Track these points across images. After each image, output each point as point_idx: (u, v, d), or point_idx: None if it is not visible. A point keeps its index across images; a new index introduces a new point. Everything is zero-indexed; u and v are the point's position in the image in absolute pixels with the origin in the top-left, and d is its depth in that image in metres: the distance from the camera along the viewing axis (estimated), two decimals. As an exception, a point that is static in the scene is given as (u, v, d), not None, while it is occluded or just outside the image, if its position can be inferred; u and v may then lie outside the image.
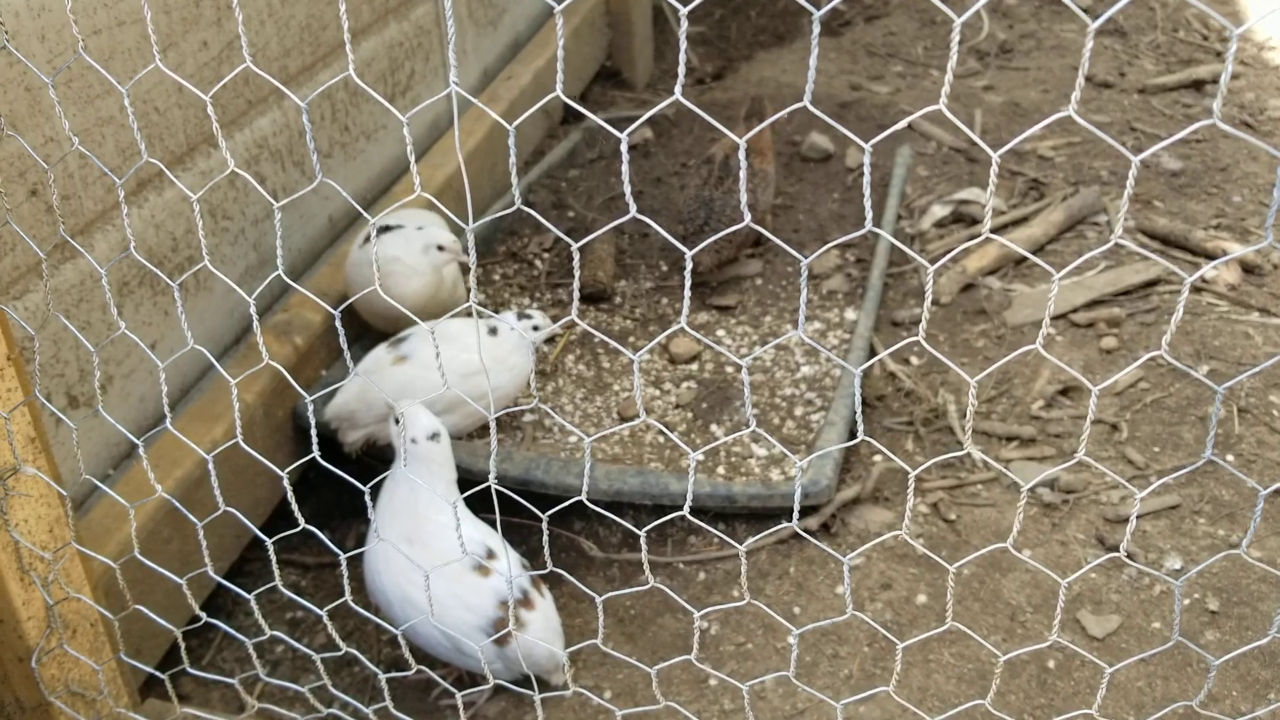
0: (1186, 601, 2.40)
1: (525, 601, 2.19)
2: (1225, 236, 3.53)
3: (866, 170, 1.09)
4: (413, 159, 1.30)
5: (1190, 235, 3.49)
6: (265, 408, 2.57)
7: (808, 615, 2.44)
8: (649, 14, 4.99)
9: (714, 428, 2.89)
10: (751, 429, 1.34)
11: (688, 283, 1.24)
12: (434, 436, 2.23)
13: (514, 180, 1.24)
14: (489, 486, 1.57)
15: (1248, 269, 3.38)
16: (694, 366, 3.12)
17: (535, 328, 2.71)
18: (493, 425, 1.58)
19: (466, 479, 2.53)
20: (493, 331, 2.71)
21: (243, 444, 1.66)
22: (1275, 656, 2.26)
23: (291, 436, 2.69)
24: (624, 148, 1.18)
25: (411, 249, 2.77)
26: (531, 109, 1.37)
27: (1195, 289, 3.28)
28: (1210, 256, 3.42)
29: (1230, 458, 2.73)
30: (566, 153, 4.18)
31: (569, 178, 4.09)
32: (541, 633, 2.18)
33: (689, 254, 1.25)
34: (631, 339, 3.27)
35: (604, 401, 2.98)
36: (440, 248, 2.78)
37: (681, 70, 1.15)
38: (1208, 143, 4.07)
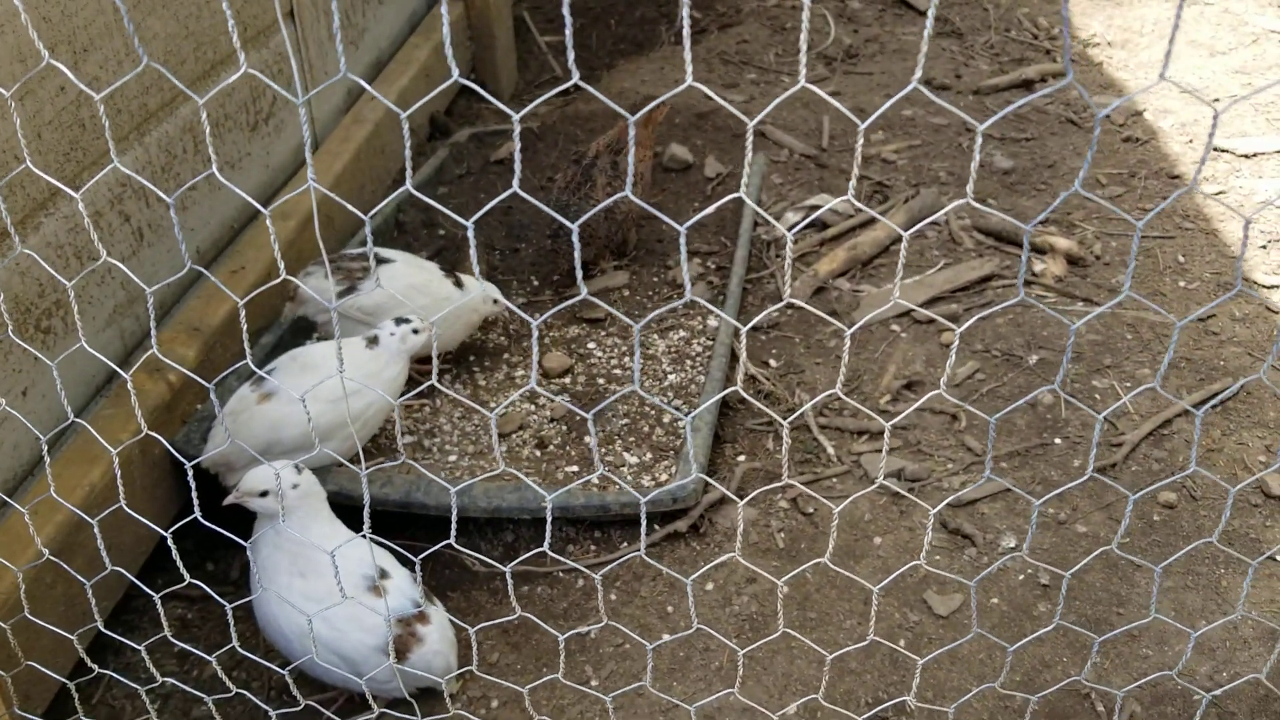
0: (1020, 577, 2.64)
1: (421, 616, 2.29)
2: (1053, 231, 3.83)
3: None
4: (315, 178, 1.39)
5: (1020, 232, 3.77)
6: (142, 446, 2.60)
7: (679, 612, 2.61)
8: (510, 26, 5.08)
9: (587, 439, 3.03)
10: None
11: (577, 250, 1.36)
12: (295, 486, 2.26)
13: (411, 173, 1.34)
14: (371, 510, 1.68)
15: (1072, 261, 3.68)
16: (567, 380, 3.26)
17: (415, 331, 2.76)
18: (359, 448, 1.68)
19: (349, 505, 2.61)
20: (372, 341, 2.76)
21: (125, 506, 1.72)
22: (1098, 624, 2.52)
23: (170, 473, 2.73)
24: (515, 132, 1.30)
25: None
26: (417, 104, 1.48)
27: (1025, 282, 3.56)
28: (1039, 251, 3.71)
29: (1058, 440, 3.00)
30: (434, 170, 4.25)
31: (437, 195, 4.17)
32: (438, 644, 2.30)
33: (574, 227, 1.37)
34: (505, 355, 3.38)
35: (480, 419, 3.09)
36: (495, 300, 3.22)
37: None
38: (1036, 141, 4.38)
